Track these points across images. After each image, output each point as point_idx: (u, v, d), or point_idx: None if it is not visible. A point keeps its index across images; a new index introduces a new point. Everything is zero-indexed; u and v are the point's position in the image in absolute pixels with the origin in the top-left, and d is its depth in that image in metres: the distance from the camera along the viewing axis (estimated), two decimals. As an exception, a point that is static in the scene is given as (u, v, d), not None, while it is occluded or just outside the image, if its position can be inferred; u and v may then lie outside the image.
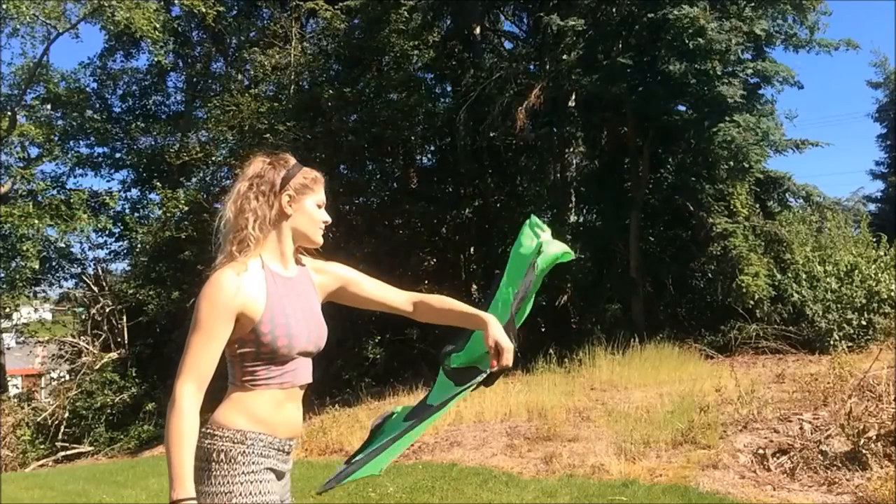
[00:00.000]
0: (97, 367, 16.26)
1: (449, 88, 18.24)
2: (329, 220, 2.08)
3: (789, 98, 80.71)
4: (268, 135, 15.19)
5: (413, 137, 16.92)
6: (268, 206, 1.97)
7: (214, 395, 1.98)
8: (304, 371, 1.99)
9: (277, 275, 1.98)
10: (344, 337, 13.75)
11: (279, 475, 1.96)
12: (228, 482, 1.84)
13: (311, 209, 2.03)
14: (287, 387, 1.95)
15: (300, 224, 2.03)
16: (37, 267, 16.62)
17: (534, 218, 2.34)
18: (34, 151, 18.74)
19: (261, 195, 1.96)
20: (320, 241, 2.08)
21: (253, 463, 1.88)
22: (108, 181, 25.06)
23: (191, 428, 1.78)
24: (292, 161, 2.05)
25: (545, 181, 16.74)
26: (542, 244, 2.26)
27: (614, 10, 13.13)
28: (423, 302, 2.22)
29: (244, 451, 1.87)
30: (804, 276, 11.90)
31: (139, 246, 18.70)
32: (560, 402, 8.32)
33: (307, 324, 1.99)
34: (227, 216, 1.96)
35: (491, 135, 15.31)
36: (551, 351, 11.37)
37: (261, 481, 1.88)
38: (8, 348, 19.51)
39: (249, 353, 1.91)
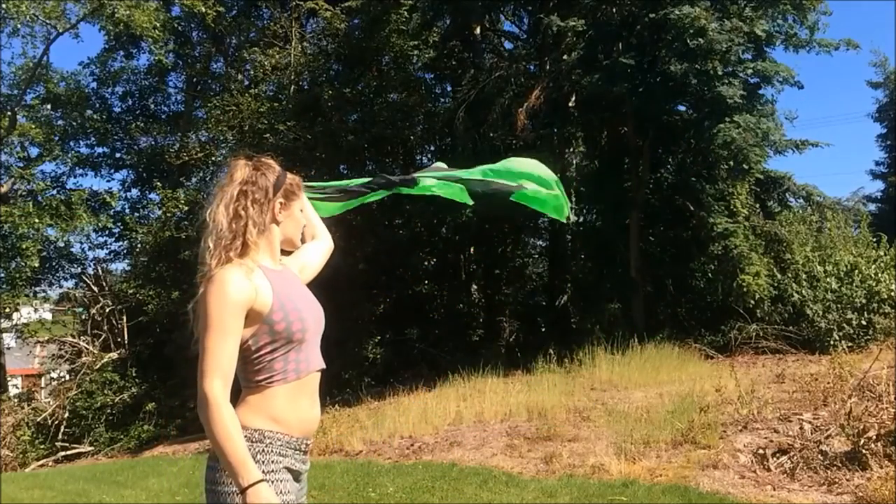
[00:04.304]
0: (97, 367, 16.23)
1: (449, 88, 18.24)
2: (306, 223, 2.21)
3: (789, 98, 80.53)
4: (268, 135, 15.17)
5: (413, 137, 16.91)
6: (262, 213, 2.01)
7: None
8: (316, 355, 2.04)
9: (271, 269, 2.02)
10: (344, 337, 13.73)
11: (296, 475, 1.98)
12: None
13: (297, 216, 2.14)
14: (304, 375, 1.98)
15: (289, 230, 2.11)
16: (37, 265, 16.60)
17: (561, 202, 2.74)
18: (34, 151, 18.74)
19: (255, 203, 2.00)
20: (300, 244, 2.19)
21: (272, 462, 1.89)
22: (108, 181, 25.06)
23: (232, 417, 1.81)
24: (275, 166, 2.11)
25: (545, 181, 16.71)
26: (552, 189, 2.72)
27: (614, 10, 13.13)
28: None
29: (262, 450, 1.89)
30: (804, 276, 11.89)
31: (139, 246, 18.68)
32: (560, 402, 8.32)
33: (310, 307, 2.05)
34: (219, 221, 1.97)
35: (491, 135, 15.30)
36: (551, 351, 11.37)
37: (278, 481, 1.89)
38: (8, 348, 19.49)
39: (265, 346, 1.93)
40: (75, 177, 20.06)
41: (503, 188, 2.74)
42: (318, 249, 2.38)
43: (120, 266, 20.46)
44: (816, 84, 51.68)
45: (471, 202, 2.78)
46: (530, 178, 2.76)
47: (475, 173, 2.80)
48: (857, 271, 11.61)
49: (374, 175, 2.88)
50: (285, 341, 1.94)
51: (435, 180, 2.76)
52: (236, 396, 1.97)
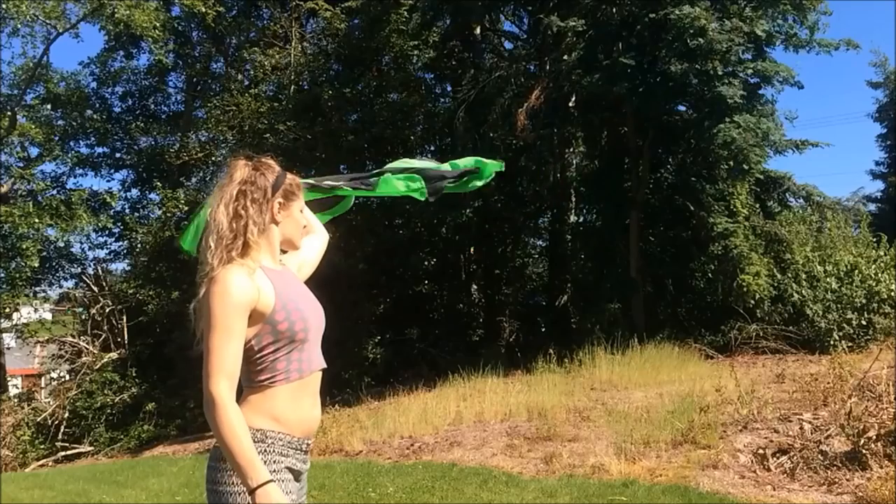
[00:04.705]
0: (97, 367, 16.23)
1: (449, 88, 18.24)
2: (307, 223, 2.21)
3: (789, 98, 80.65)
4: (268, 135, 15.18)
5: (413, 137, 16.91)
6: (261, 213, 2.01)
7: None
8: (318, 355, 2.05)
9: (272, 269, 2.03)
10: (344, 337, 13.74)
11: (296, 475, 1.99)
12: None
13: (297, 216, 2.12)
14: (306, 374, 1.99)
15: (288, 230, 2.10)
16: (37, 265, 16.60)
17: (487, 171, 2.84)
18: (34, 151, 18.75)
19: (254, 203, 2.00)
20: (301, 245, 2.18)
21: (274, 462, 1.90)
22: (108, 181, 25.09)
23: (240, 418, 1.81)
24: (275, 166, 2.11)
25: (545, 181, 16.74)
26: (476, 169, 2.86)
27: (614, 10, 13.12)
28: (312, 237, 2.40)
29: (264, 450, 1.89)
30: (804, 276, 11.89)
31: (139, 246, 18.68)
32: (560, 402, 8.32)
33: (311, 306, 2.06)
34: (220, 220, 1.97)
35: (491, 135, 15.30)
36: (551, 351, 11.37)
37: (280, 481, 1.89)
38: (8, 348, 19.48)
39: (267, 346, 1.93)
40: (75, 177, 20.10)
41: (448, 176, 2.83)
42: (314, 245, 2.38)
43: (120, 266, 20.50)
44: (816, 84, 51.73)
45: (424, 194, 2.80)
46: (455, 167, 2.88)
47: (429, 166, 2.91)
48: (857, 271, 11.61)
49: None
50: (288, 341, 1.94)
51: (390, 175, 2.80)
52: (238, 396, 1.98)
